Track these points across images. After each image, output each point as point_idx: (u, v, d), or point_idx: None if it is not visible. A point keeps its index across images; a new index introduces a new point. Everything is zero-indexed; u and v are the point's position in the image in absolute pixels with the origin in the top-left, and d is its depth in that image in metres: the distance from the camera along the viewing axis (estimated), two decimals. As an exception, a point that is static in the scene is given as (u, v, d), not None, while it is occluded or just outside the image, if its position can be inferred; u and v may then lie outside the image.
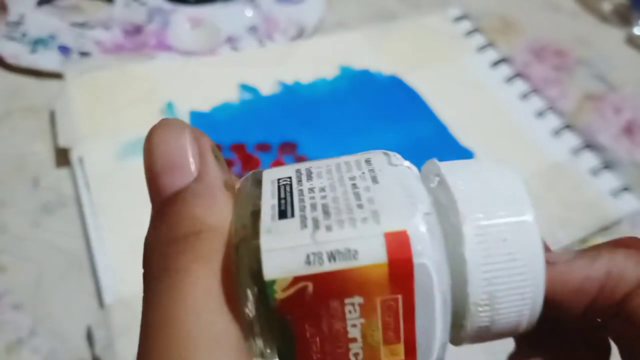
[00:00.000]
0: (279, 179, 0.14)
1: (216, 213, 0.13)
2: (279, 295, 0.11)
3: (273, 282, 0.11)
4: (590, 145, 0.45)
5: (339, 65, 0.49)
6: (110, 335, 0.31)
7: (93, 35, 0.49)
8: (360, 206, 0.12)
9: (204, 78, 0.46)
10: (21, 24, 0.49)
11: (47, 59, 0.47)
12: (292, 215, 0.12)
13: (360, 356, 0.12)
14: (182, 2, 0.54)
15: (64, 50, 0.48)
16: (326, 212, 0.12)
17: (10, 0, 0.51)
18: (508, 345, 0.38)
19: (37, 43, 0.48)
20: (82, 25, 0.50)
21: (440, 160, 0.14)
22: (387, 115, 0.45)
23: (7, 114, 0.45)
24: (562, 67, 0.56)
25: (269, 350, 0.12)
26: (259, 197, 0.13)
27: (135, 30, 0.50)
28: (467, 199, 0.13)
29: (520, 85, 0.49)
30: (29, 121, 0.44)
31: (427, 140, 0.44)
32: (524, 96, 0.48)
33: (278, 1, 0.55)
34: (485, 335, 0.14)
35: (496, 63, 0.51)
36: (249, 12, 0.54)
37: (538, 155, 0.44)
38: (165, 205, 0.14)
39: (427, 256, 0.11)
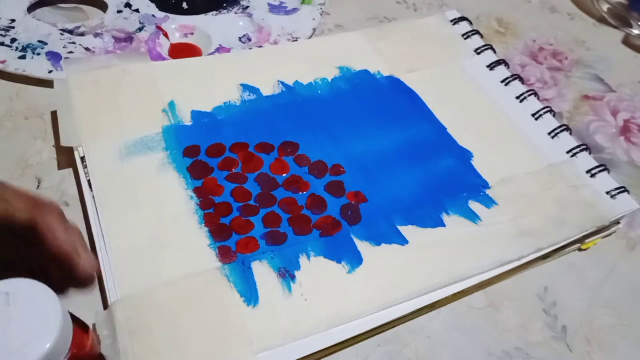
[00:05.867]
0: None
1: None
2: None
3: None
4: (587, 146, 0.45)
5: (338, 66, 0.49)
6: (114, 334, 0.31)
7: (83, 42, 0.49)
8: None
9: (205, 78, 0.46)
10: (11, 29, 0.49)
11: (35, 66, 0.46)
12: None
13: None
14: (175, 11, 0.54)
15: (53, 56, 0.48)
16: None
17: (1, 5, 0.50)
18: (508, 345, 0.38)
19: (27, 49, 0.48)
20: (73, 31, 0.50)
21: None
22: (387, 116, 0.46)
23: (9, 114, 0.45)
24: (560, 68, 0.57)
25: None
26: None
27: (126, 39, 0.50)
28: None
29: (517, 87, 0.50)
30: (31, 121, 0.44)
31: (426, 140, 0.45)
32: (522, 97, 0.49)
33: (272, 11, 0.55)
34: None
35: (494, 64, 0.51)
36: (241, 22, 0.54)
37: (535, 156, 0.45)
38: None
39: None
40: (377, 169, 0.42)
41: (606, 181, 0.43)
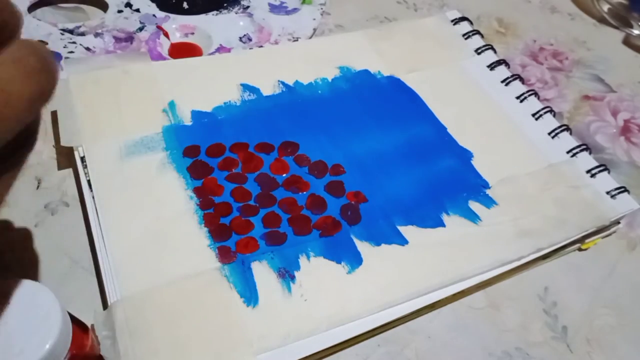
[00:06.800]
0: None
1: None
2: None
3: None
4: (587, 145, 0.45)
5: (339, 66, 0.49)
6: (114, 334, 0.31)
7: (83, 41, 0.49)
8: None
9: (205, 78, 0.46)
10: None
11: None
12: None
13: None
14: (175, 11, 0.54)
15: (54, 56, 0.47)
16: None
17: None
18: (508, 345, 0.38)
19: None
20: (73, 31, 0.50)
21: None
22: (387, 115, 0.46)
23: (9, 113, 0.45)
24: (560, 68, 0.57)
25: None
26: None
27: (126, 38, 0.50)
28: None
29: (518, 87, 0.50)
30: (31, 121, 0.44)
31: (427, 140, 0.45)
32: (522, 97, 0.49)
33: (272, 11, 0.55)
34: None
35: (494, 64, 0.51)
36: (242, 22, 0.54)
37: (535, 156, 0.45)
38: None
39: None
40: (377, 169, 0.42)
41: (606, 181, 0.43)
